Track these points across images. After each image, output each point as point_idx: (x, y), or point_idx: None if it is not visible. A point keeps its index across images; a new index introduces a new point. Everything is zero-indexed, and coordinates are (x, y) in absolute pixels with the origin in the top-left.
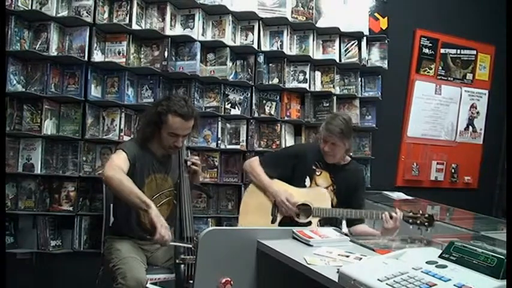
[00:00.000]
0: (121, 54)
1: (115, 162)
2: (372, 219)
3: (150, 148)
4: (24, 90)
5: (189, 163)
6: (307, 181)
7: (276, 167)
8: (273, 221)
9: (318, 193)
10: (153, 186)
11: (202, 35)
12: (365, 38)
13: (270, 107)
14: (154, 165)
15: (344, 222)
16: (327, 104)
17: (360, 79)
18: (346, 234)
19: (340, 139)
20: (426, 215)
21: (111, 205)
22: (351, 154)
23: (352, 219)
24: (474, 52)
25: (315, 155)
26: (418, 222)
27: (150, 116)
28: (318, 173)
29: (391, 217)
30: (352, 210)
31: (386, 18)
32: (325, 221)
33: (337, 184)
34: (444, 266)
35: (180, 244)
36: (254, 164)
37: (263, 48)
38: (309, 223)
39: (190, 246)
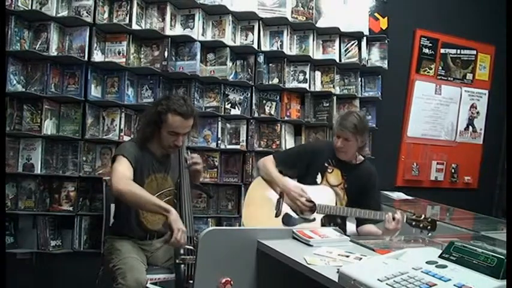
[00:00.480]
0: (121, 54)
1: (120, 173)
2: (375, 218)
3: (149, 148)
4: (24, 90)
5: (189, 162)
6: (319, 178)
7: (291, 165)
8: (276, 215)
9: (323, 191)
10: (153, 186)
11: (202, 35)
12: (365, 38)
13: (270, 107)
14: (154, 165)
15: (349, 224)
16: (327, 104)
17: (360, 79)
18: (347, 234)
19: (353, 135)
20: (429, 219)
21: (112, 205)
22: (366, 155)
23: (361, 218)
24: (474, 52)
25: (328, 152)
26: (421, 225)
27: (149, 116)
28: (329, 171)
29: (393, 218)
30: (356, 209)
31: (386, 18)
32: (329, 219)
33: (348, 183)
34: (444, 266)
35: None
36: (267, 161)
37: (263, 48)
38: (313, 219)
39: (191, 247)
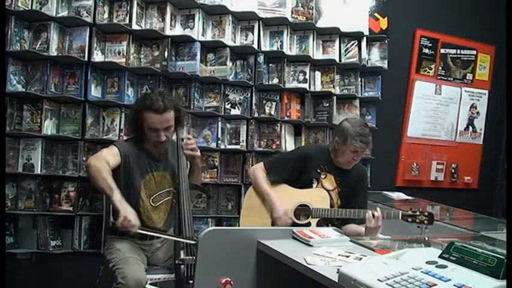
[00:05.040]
0: (121, 54)
1: (102, 154)
2: (360, 218)
3: (146, 147)
4: (24, 90)
5: (186, 151)
6: (314, 184)
7: (281, 172)
8: (273, 223)
9: (317, 194)
10: (151, 185)
11: (202, 35)
12: (365, 38)
13: (270, 107)
14: (151, 163)
15: None
16: (327, 104)
17: (360, 79)
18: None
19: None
20: (425, 213)
21: (111, 205)
22: (366, 155)
23: (347, 219)
24: (474, 52)
25: (320, 159)
26: (417, 220)
27: (130, 116)
28: (323, 176)
29: (373, 216)
30: (349, 210)
31: (386, 18)
32: (324, 222)
33: (341, 186)
34: (444, 266)
35: (180, 239)
36: (258, 171)
37: (263, 48)
38: (308, 224)
39: (192, 242)
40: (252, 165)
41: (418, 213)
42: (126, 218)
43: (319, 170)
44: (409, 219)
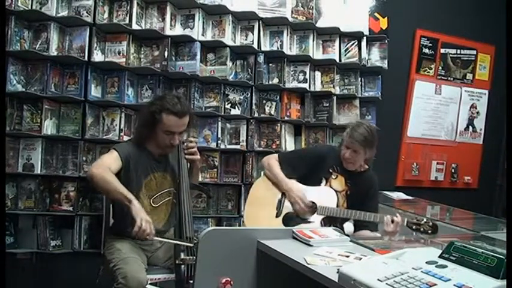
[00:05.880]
0: (121, 54)
1: (103, 161)
2: (375, 221)
3: (147, 148)
4: (24, 90)
5: (187, 154)
6: (323, 182)
7: (294, 167)
8: (277, 215)
9: (325, 192)
10: (152, 185)
11: (202, 35)
12: (365, 38)
13: (270, 107)
14: (152, 164)
15: (347, 224)
16: (327, 104)
17: (360, 79)
18: (347, 235)
19: (362, 147)
20: (430, 223)
21: (111, 205)
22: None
23: (360, 224)
24: (474, 52)
25: (333, 159)
26: (422, 229)
27: (144, 116)
28: (334, 177)
29: (392, 221)
30: (355, 211)
31: (386, 18)
32: (329, 220)
33: (351, 189)
34: (444, 266)
35: (180, 243)
36: (272, 161)
37: (263, 48)
38: (313, 221)
39: (191, 245)
40: (252, 165)
41: (423, 222)
42: (141, 228)
43: (331, 170)
44: (414, 227)
